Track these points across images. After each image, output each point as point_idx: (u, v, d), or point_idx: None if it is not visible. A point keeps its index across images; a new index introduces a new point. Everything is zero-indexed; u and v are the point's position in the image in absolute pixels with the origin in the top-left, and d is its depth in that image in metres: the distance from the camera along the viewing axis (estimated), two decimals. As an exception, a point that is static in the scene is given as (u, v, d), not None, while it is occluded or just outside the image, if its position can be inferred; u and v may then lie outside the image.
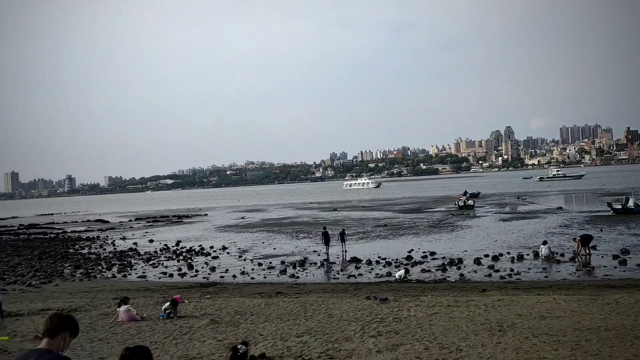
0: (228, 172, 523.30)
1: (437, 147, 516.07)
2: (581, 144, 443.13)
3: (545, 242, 25.75)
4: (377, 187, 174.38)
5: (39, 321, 13.90)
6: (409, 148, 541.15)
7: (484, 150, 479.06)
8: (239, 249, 35.35)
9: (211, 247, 36.17)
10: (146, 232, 53.20)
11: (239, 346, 6.30)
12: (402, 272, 21.93)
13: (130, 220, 73.99)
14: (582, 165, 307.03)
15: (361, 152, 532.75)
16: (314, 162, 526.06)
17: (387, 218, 53.66)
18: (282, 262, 28.07)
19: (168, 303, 13.41)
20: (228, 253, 33.46)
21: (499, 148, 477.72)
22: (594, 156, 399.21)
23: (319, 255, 30.26)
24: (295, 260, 28.56)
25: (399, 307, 14.45)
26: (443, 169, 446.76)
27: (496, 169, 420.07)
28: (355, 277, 23.14)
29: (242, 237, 42.65)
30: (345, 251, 30.51)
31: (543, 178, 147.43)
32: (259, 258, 30.50)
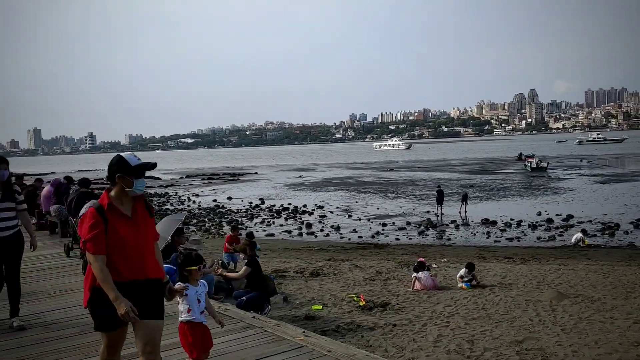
0: (248, 132, 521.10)
1: (458, 109, 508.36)
2: (607, 107, 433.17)
3: None
4: (408, 148, 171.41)
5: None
6: (430, 110, 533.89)
7: (507, 114, 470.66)
8: (337, 207, 33.32)
9: (304, 206, 34.16)
10: (213, 190, 51.41)
11: None
12: (579, 235, 19.74)
13: (182, 178, 72.29)
14: (607, 130, 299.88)
15: (381, 113, 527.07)
16: (334, 123, 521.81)
17: (462, 179, 51.32)
18: (408, 223, 26.04)
19: (464, 269, 11.35)
20: (331, 212, 31.46)
21: (522, 111, 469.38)
22: (620, 120, 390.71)
23: (437, 216, 28.16)
24: (419, 221, 26.55)
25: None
26: (465, 131, 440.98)
27: (519, 133, 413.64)
28: (518, 240, 21.07)
29: (324, 196, 40.60)
30: (466, 212, 28.42)
31: (582, 141, 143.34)
32: (373, 218, 28.47)
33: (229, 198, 42.04)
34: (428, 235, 23.05)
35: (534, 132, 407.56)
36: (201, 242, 18.04)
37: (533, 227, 23.72)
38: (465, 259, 15.16)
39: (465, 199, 29.43)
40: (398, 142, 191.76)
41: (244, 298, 8.68)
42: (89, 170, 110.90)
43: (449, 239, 21.92)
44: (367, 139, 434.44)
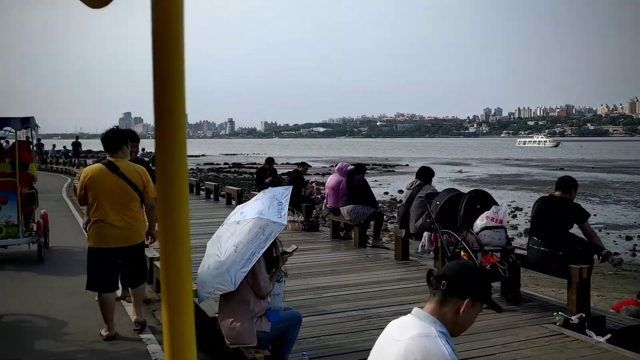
0: (378, 123, 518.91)
1: (607, 106, 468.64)
2: None
3: None
4: (556, 146, 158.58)
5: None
6: (573, 106, 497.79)
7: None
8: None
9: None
10: (375, 180, 48.51)
11: None
12: None
13: (332, 166, 70.53)
14: None
15: (518, 108, 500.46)
16: (467, 117, 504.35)
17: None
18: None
19: None
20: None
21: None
22: None
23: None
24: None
25: None
26: (614, 130, 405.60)
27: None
28: None
29: (512, 195, 35.98)
30: None
31: None
32: (602, 227, 23.63)
33: (400, 191, 38.74)
34: None
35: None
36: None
37: None
38: None
39: None
40: (545, 138, 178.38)
41: None
42: (234, 154, 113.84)
43: None
44: (502, 135, 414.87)
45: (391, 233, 13.63)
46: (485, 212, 6.33)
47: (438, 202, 6.97)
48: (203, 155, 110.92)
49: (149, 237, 5.88)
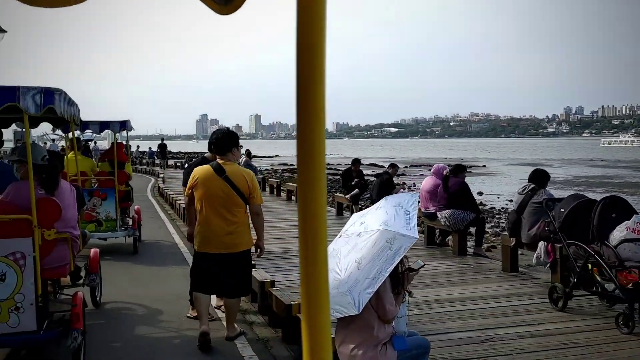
0: (451, 123, 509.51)
1: None
2: None
3: None
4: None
5: None
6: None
7: None
8: None
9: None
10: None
11: None
12: None
13: (406, 167, 69.30)
14: None
15: (602, 106, 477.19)
16: (546, 116, 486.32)
17: None
18: None
19: None
20: None
21: None
22: None
23: None
24: None
25: None
26: None
27: None
28: None
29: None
30: None
31: None
32: None
33: (480, 193, 37.29)
34: None
35: None
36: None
37: None
38: None
39: None
40: (632, 138, 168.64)
41: None
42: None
43: None
44: (583, 134, 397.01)
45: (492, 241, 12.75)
46: (625, 222, 5.52)
47: (562, 210, 6.17)
48: (277, 155, 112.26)
49: (258, 249, 5.50)
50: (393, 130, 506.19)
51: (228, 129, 5.81)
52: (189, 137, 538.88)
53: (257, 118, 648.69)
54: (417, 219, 3.77)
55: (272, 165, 72.42)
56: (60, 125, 6.70)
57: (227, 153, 5.23)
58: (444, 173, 9.69)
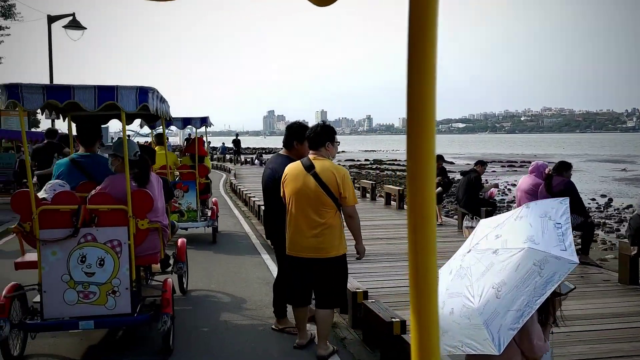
0: (522, 118, 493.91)
1: None
2: None
3: None
4: None
5: None
6: None
7: None
8: None
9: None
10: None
11: None
12: None
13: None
14: None
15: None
16: (625, 110, 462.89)
17: None
18: None
19: None
20: None
21: None
22: None
23: None
24: None
25: None
26: None
27: None
28: None
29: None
30: None
31: None
32: None
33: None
34: None
35: None
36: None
37: None
38: None
39: None
40: None
41: None
42: (374, 151, 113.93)
43: None
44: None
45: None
46: None
47: None
48: (343, 151, 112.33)
49: (357, 252, 5.06)
50: (461, 125, 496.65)
51: (324, 122, 5.44)
52: (256, 133, 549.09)
53: (323, 114, 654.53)
54: (572, 236, 2.98)
55: (338, 161, 72.44)
56: (153, 122, 7.04)
57: (321, 148, 4.83)
58: (546, 171, 8.62)
